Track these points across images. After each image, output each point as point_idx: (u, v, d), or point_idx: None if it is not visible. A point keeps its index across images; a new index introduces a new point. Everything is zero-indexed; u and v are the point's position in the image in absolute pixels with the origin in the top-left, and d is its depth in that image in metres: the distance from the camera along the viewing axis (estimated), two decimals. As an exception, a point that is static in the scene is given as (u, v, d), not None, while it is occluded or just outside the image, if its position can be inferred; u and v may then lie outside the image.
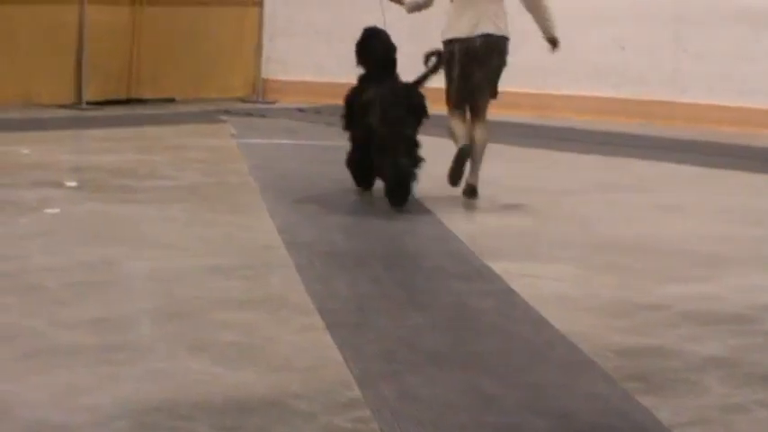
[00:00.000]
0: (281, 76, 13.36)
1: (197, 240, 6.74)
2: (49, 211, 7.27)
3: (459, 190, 8.04)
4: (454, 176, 7.92)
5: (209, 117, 11.64)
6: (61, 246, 6.41)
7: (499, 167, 8.99)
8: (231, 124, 11.08)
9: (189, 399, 4.25)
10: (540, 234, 7.29)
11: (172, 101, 12.74)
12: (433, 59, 7.90)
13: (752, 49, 12.26)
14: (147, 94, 12.61)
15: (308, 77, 12.74)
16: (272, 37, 13.29)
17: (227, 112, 11.97)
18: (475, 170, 8.10)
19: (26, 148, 9.43)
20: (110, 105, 12.05)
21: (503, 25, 8.07)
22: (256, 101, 13.17)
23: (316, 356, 4.81)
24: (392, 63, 8.00)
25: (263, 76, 13.39)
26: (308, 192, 8.27)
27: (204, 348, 4.86)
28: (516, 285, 5.96)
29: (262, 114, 12.24)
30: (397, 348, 4.93)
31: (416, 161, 7.66)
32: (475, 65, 7.99)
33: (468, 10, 7.98)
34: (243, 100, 13.13)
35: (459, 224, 7.28)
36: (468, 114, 8.19)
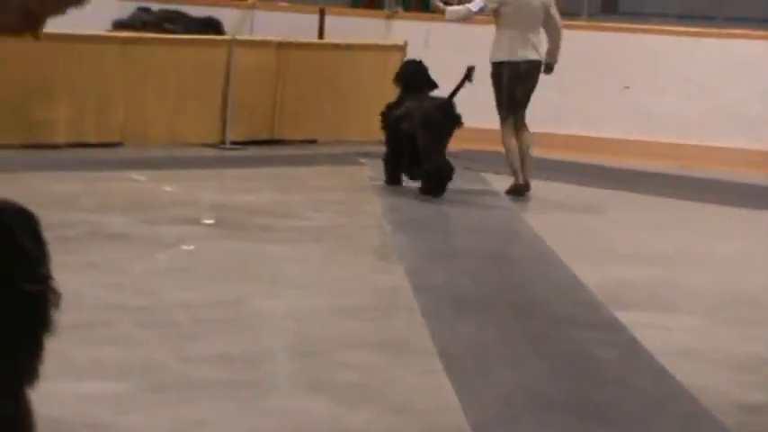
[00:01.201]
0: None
1: (327, 280, 6.85)
2: (186, 247, 7.46)
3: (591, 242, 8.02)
4: (516, 194, 9.92)
5: (349, 159, 11.80)
6: (195, 282, 6.58)
7: (632, 216, 8.93)
8: (369, 167, 11.21)
9: (306, 437, 4.34)
10: (669, 284, 7.22)
11: (313, 142, 12.94)
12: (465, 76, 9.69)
13: None
14: (290, 136, 12.83)
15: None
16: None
17: (366, 154, 12.11)
18: (527, 169, 9.90)
19: (169, 185, 9.69)
20: (253, 145, 12.30)
21: (541, 51, 9.99)
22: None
23: (433, 400, 4.86)
24: (422, 86, 10.02)
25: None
26: (439, 236, 8.34)
27: (325, 388, 4.94)
28: (641, 336, 5.92)
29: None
30: (515, 395, 4.95)
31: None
32: (519, 84, 9.88)
33: (519, 37, 9.87)
34: (383, 143, 13.23)
35: (588, 272, 7.25)
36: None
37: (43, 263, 2.89)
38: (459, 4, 10.69)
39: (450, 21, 10.64)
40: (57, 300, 2.95)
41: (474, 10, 10.24)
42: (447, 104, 9.70)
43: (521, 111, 10.00)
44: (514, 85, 9.91)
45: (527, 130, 10.01)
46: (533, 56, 9.93)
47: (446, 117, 9.64)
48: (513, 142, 9.97)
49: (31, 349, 2.89)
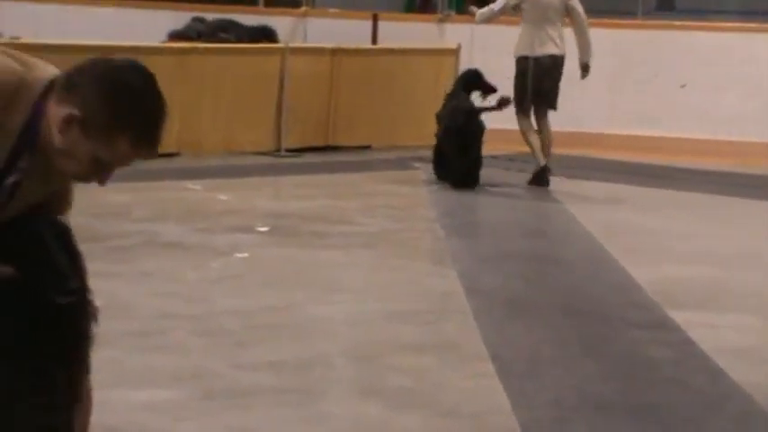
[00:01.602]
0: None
1: (380, 285, 6.86)
2: (239, 255, 7.51)
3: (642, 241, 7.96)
4: (539, 182, 10.23)
5: (403, 164, 11.81)
6: (247, 289, 6.62)
7: (687, 215, 8.86)
8: (423, 171, 11.21)
9: (355, 441, 4.35)
10: (724, 283, 7.16)
11: (368, 148, 12.97)
12: (498, 102, 10.13)
13: None
14: (344, 142, 12.86)
15: (503, 125, 12.79)
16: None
17: (420, 158, 12.12)
18: (548, 154, 10.27)
19: (224, 194, 9.76)
20: (307, 152, 12.34)
21: (563, 46, 10.30)
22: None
23: (484, 403, 4.85)
24: (469, 87, 10.49)
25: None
26: (492, 239, 8.33)
27: (376, 392, 4.95)
28: (696, 335, 5.88)
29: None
30: (566, 396, 4.93)
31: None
32: (545, 77, 10.20)
33: (538, 33, 10.21)
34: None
35: (642, 272, 7.20)
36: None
37: (76, 275, 2.90)
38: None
39: (480, 23, 11.09)
40: (93, 312, 2.97)
41: (496, 9, 10.69)
42: (472, 111, 10.17)
43: (545, 106, 10.36)
44: (540, 80, 10.25)
45: (549, 127, 10.39)
46: (554, 50, 10.28)
47: (468, 123, 10.04)
48: (532, 129, 10.40)
49: (66, 362, 2.91)
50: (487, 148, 13.06)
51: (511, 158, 12.31)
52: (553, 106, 10.42)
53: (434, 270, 7.37)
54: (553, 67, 10.25)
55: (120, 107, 2.80)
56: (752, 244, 8.40)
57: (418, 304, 6.44)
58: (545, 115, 10.42)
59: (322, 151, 12.53)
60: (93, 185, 2.95)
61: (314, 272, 7.15)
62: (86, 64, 2.85)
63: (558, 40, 10.30)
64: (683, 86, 12.99)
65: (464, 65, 13.33)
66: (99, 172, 2.86)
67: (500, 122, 13.31)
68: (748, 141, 12.72)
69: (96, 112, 2.79)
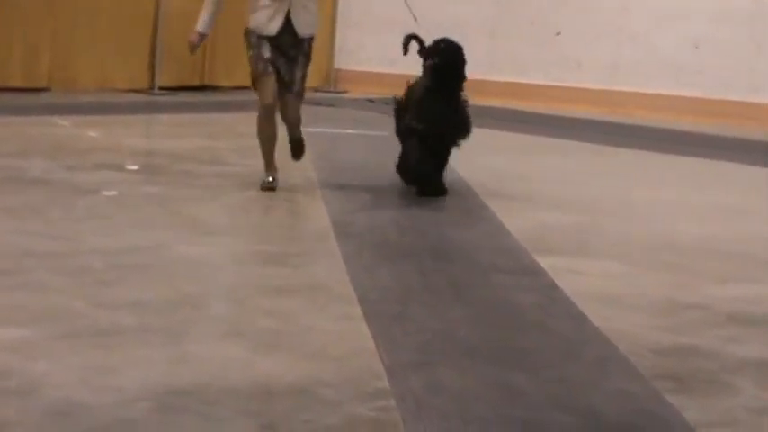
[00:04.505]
0: (353, 67, 13.40)
1: (250, 227, 6.80)
2: (107, 193, 7.37)
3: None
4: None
5: (279, 106, 11.69)
6: (114, 229, 6.50)
7: (558, 161, 8.93)
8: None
9: (217, 383, 4.29)
10: (595, 231, 7.24)
11: (245, 89, 12.81)
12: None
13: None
14: (222, 83, 12.70)
15: (379, 69, 12.78)
16: (345, 28, 13.33)
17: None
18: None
19: (94, 131, 9.57)
20: (184, 92, 12.16)
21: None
22: (328, 90, 13.21)
23: (350, 346, 4.83)
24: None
25: (336, 66, 13.43)
26: (366, 183, 8.30)
27: (242, 333, 4.90)
28: (561, 281, 5.93)
29: (330, 104, 12.28)
30: (432, 340, 4.93)
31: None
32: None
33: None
34: (315, 89, 13.17)
35: (514, 219, 7.25)
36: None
37: None
38: None
39: None
40: None
41: None
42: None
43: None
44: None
45: None
46: None
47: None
48: None
49: None
50: (363, 92, 13.07)
51: (387, 102, 12.28)
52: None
53: (305, 212, 7.32)
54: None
55: None
56: (620, 193, 8.50)
57: (288, 246, 6.39)
58: None
59: (199, 90, 12.36)
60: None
61: (182, 212, 7.05)
62: None
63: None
64: (557, 35, 13.07)
65: (341, 9, 13.21)
66: None
67: (381, 66, 13.30)
68: (620, 91, 12.87)
69: None
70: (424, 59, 7.96)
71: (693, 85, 12.62)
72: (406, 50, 8.14)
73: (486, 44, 12.66)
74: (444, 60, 7.81)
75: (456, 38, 7.99)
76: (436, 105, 7.81)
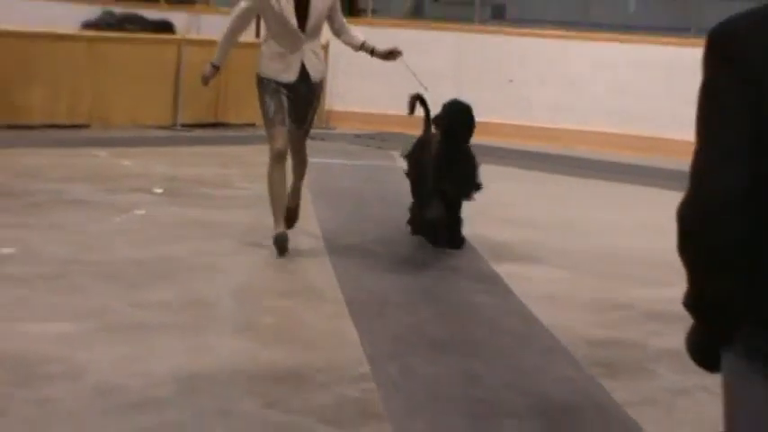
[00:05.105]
0: (341, 108, 13.44)
1: (257, 241, 6.80)
2: (138, 212, 7.38)
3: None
4: None
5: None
6: (143, 241, 6.51)
7: (513, 186, 8.95)
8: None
9: (229, 369, 4.32)
10: (542, 244, 7.26)
11: (252, 125, 12.83)
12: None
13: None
14: (232, 120, 12.72)
15: (363, 109, 12.83)
16: (336, 75, 13.36)
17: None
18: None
19: (127, 160, 9.57)
20: (200, 128, 12.17)
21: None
22: (320, 127, 13.21)
23: (338, 339, 4.87)
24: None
25: (327, 107, 13.46)
26: (354, 204, 8.32)
27: (249, 329, 4.93)
28: (514, 285, 5.97)
29: (322, 138, 12.29)
30: (405, 334, 4.97)
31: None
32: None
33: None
34: (311, 126, 13.17)
35: (475, 235, 7.26)
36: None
37: None
38: None
39: None
40: None
41: None
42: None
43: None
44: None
45: None
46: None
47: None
48: None
49: None
50: (351, 128, 13.11)
51: (371, 136, 12.34)
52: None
53: (302, 229, 7.34)
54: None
55: None
56: (563, 213, 8.52)
57: (288, 257, 6.41)
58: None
59: (213, 127, 12.38)
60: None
61: (201, 227, 7.07)
62: None
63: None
64: (510, 81, 13.14)
65: (332, 59, 13.26)
66: None
67: (362, 106, 13.35)
68: (563, 128, 12.94)
69: None
70: (437, 125, 7.11)
71: (623, 123, 12.70)
72: (411, 111, 7.22)
73: (452, 90, 12.71)
74: (459, 123, 7.13)
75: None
76: (458, 166, 7.05)
